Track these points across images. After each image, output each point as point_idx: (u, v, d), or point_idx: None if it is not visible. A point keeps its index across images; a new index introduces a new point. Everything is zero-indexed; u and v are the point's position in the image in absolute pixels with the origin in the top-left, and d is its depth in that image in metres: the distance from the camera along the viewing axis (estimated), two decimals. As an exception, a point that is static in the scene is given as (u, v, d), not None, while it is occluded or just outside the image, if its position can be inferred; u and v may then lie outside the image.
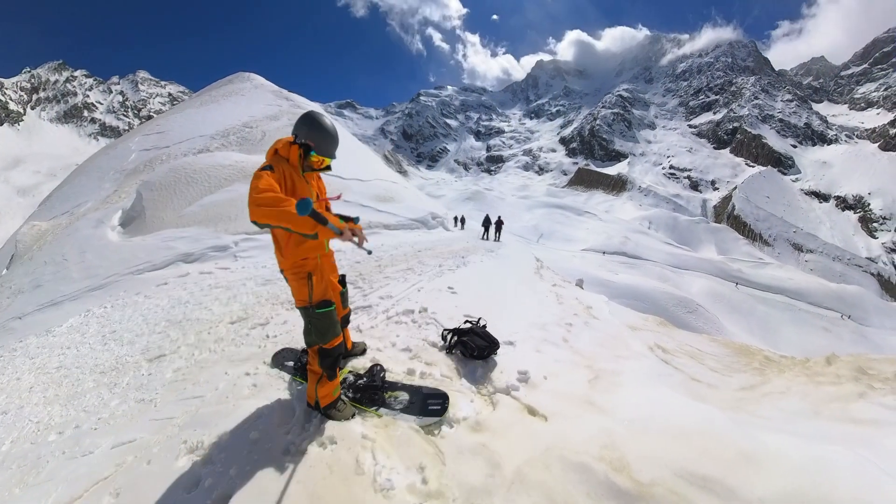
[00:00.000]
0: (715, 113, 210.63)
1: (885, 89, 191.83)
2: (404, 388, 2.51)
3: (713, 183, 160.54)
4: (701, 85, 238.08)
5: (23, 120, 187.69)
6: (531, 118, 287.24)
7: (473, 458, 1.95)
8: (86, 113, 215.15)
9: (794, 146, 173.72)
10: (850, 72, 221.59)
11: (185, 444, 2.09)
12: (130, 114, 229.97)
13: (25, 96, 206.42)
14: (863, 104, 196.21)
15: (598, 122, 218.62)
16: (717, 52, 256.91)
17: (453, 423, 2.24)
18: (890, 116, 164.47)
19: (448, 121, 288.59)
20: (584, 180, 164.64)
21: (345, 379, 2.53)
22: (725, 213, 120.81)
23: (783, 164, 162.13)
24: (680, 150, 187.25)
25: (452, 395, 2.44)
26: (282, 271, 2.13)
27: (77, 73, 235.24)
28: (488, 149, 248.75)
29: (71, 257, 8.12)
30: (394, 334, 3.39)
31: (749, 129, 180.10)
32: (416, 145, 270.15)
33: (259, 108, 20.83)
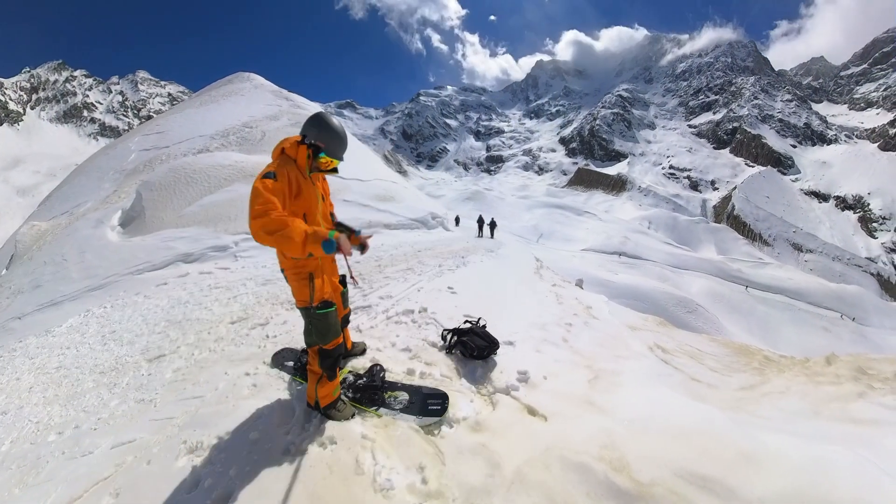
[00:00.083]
0: (715, 113, 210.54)
1: (885, 89, 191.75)
2: (404, 388, 2.51)
3: (713, 183, 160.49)
4: (701, 85, 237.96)
5: (22, 120, 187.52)
6: (531, 118, 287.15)
7: (473, 458, 1.95)
8: (85, 113, 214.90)
9: (794, 146, 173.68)
10: (849, 72, 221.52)
11: (185, 445, 2.09)
12: (130, 114, 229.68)
13: (25, 96, 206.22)
14: (862, 104, 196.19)
15: (597, 122, 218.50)
16: (716, 52, 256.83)
17: (453, 423, 2.24)
18: (889, 116, 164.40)
19: (448, 121, 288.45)
20: (583, 180, 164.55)
21: (345, 379, 2.53)
22: (725, 213, 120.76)
23: (783, 164, 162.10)
24: (680, 150, 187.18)
25: (452, 395, 2.44)
26: (282, 270, 2.12)
27: (77, 73, 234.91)
28: (488, 149, 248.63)
29: (70, 257, 8.12)
30: (393, 334, 3.39)
31: (749, 129, 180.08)
32: (416, 145, 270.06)
33: (259, 108, 20.81)
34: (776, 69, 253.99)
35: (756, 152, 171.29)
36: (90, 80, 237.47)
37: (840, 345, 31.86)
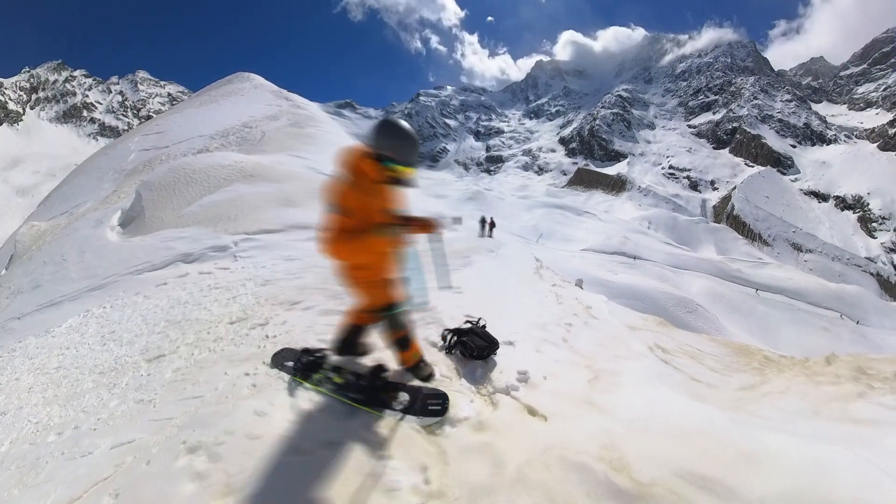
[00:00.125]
0: (714, 113, 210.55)
1: (885, 89, 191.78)
2: (405, 388, 2.51)
3: (712, 183, 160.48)
4: (700, 85, 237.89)
5: (22, 120, 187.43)
6: (531, 118, 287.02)
7: (476, 458, 1.96)
8: (85, 113, 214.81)
9: (794, 146, 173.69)
10: (849, 72, 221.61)
11: (185, 445, 2.08)
12: (130, 114, 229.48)
13: (25, 96, 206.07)
14: (862, 104, 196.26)
15: (597, 122, 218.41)
16: (716, 53, 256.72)
17: (455, 424, 2.24)
18: (889, 116, 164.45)
19: (447, 121, 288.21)
20: (583, 180, 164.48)
21: (345, 379, 2.53)
22: (725, 213, 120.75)
23: (782, 164, 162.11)
24: (679, 150, 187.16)
25: (452, 395, 2.44)
26: (344, 273, 2.20)
27: (76, 73, 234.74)
28: (488, 149, 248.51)
29: (70, 257, 8.11)
30: (394, 334, 3.38)
31: (748, 129, 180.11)
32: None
33: (259, 108, 20.80)
34: (776, 69, 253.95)
35: (756, 152, 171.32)
36: (90, 80, 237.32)
37: (840, 345, 31.86)
